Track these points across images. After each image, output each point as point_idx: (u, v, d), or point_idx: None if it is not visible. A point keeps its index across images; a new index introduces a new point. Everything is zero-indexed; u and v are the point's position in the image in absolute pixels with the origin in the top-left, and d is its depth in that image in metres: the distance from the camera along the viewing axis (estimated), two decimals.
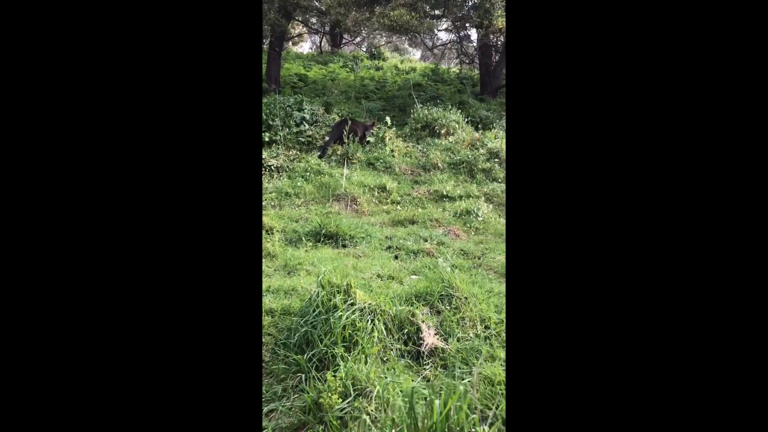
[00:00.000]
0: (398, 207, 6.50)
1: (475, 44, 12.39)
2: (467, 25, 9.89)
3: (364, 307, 3.15)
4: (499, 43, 11.04)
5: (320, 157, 7.67)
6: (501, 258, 4.87)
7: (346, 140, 7.82)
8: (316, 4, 10.87)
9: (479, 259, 4.91)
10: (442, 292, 3.54)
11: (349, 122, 8.01)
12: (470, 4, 9.36)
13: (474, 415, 2.07)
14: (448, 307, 3.45)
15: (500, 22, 8.39)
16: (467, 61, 13.47)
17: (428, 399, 2.10)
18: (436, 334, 3.25)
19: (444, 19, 10.81)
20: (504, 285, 4.27)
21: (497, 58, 12.10)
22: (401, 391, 2.49)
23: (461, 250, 5.14)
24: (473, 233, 5.79)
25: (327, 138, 8.08)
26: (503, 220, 6.23)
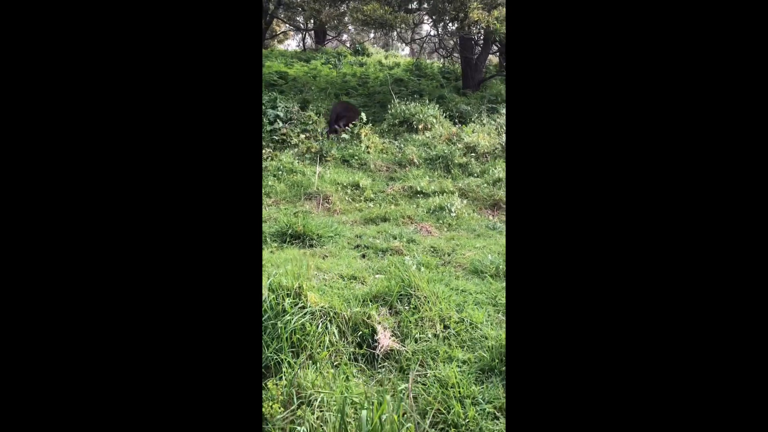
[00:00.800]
0: (371, 204, 6.39)
1: (455, 38, 12.24)
2: (444, 18, 9.77)
3: (317, 311, 3.05)
4: (480, 36, 10.93)
5: (329, 135, 8.28)
6: (470, 254, 4.78)
7: (338, 127, 8.28)
8: None
9: (449, 255, 4.81)
10: (402, 292, 3.43)
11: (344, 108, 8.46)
12: None
13: (409, 424, 1.97)
14: (407, 307, 3.34)
15: (476, 14, 8.27)
16: (446, 55, 13.34)
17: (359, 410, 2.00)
18: (392, 336, 3.14)
19: (420, 13, 10.67)
20: (470, 282, 4.17)
21: (478, 51, 11.99)
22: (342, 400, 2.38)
23: (431, 247, 5.04)
24: (446, 229, 5.69)
25: (331, 121, 8.59)
26: (477, 216, 6.13)
